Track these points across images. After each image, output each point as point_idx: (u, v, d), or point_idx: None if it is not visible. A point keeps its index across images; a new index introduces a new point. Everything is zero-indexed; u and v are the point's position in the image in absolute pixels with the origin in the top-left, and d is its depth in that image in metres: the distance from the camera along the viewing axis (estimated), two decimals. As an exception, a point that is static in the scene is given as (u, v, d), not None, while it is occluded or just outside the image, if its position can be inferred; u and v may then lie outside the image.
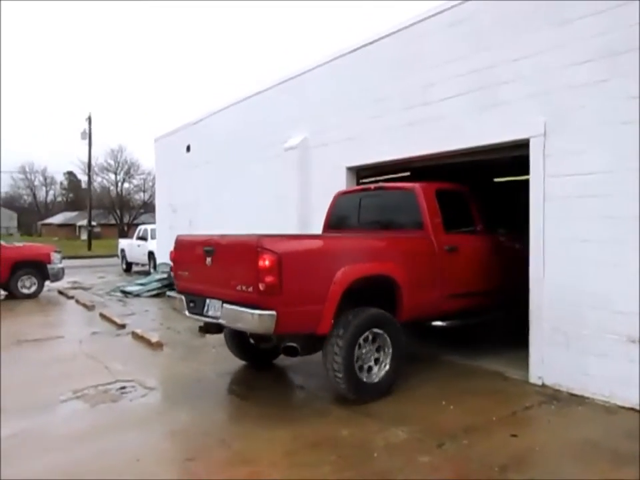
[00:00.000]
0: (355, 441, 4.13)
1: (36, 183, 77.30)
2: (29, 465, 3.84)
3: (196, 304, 5.30)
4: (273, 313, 4.42)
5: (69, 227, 66.81)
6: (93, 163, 41.41)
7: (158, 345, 7.30)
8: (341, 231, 6.65)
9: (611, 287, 4.81)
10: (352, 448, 4.02)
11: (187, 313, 5.45)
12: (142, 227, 19.62)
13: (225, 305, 4.82)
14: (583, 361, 5.03)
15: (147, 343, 7.51)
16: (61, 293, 13.28)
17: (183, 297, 5.51)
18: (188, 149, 13.06)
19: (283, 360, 6.07)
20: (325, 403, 5.11)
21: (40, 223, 73.51)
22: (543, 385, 5.32)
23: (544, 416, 4.67)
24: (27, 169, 73.37)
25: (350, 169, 7.90)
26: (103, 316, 9.76)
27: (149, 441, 4.28)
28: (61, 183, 79.02)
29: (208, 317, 5.14)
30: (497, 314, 6.55)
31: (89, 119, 36.58)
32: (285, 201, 9.01)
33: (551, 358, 5.29)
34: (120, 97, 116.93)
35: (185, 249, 5.73)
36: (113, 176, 58.50)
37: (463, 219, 6.27)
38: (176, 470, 3.78)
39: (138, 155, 63.27)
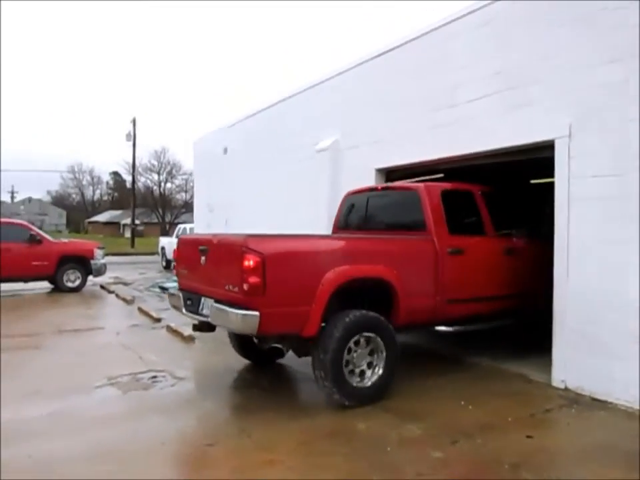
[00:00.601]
0: (370, 435, 4.24)
1: (84, 182, 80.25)
2: (59, 442, 4.10)
3: (192, 302, 5.34)
4: (256, 313, 4.39)
5: (113, 224, 68.95)
6: (137, 163, 42.73)
7: (190, 339, 7.57)
8: (349, 232, 6.59)
9: (636, 289, 4.75)
10: (366, 440, 4.14)
11: (183, 310, 5.49)
12: (181, 226, 20.19)
13: (213, 304, 4.83)
14: (607, 365, 4.97)
15: (180, 336, 7.80)
16: (102, 287, 13.83)
17: (181, 295, 5.56)
18: (225, 150, 13.40)
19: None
20: (345, 398, 5.24)
21: (87, 220, 76.15)
22: (566, 389, 5.29)
23: (563, 419, 4.66)
24: (76, 169, 76.32)
25: (379, 171, 7.99)
26: (140, 310, 10.15)
27: (175, 426, 4.49)
28: (107, 183, 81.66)
29: (202, 315, 5.14)
30: (507, 320, 6.37)
31: (134, 122, 37.74)
32: (316, 201, 9.16)
33: (574, 361, 5.25)
34: (164, 100, 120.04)
35: (185, 247, 5.79)
36: (156, 176, 60.06)
37: (472, 221, 6.12)
38: (196, 454, 3.97)
39: (180, 156, 64.58)
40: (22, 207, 77.45)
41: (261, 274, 4.39)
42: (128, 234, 48.13)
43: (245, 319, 4.42)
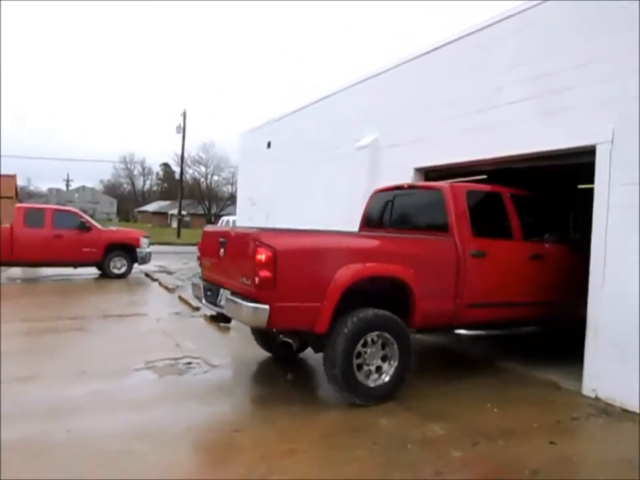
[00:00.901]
0: (392, 431, 4.32)
1: (135, 172, 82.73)
2: (97, 419, 4.37)
3: (212, 293, 5.46)
4: (266, 307, 4.46)
5: (161, 215, 70.82)
6: (185, 155, 43.74)
7: (225, 328, 7.80)
8: (375, 230, 6.57)
9: (673, 302, 4.64)
10: (388, 437, 4.21)
11: (203, 300, 5.61)
12: (224, 218, 20.66)
13: (228, 295, 4.94)
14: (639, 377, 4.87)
15: (217, 325, 8.04)
16: (147, 275, 14.33)
17: (202, 285, 5.69)
18: (268, 145, 13.61)
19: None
20: (371, 394, 5.32)
21: (136, 210, 78.47)
22: (596, 398, 5.20)
23: (589, 428, 4.61)
24: (127, 160, 78.74)
25: (418, 170, 7.99)
26: (181, 298, 10.49)
27: (204, 411, 4.69)
28: (157, 174, 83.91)
29: (219, 306, 5.24)
30: (530, 328, 6.24)
31: (184, 115, 38.66)
32: (355, 198, 9.21)
33: (606, 371, 5.16)
34: (214, 93, 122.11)
35: (207, 239, 5.88)
36: (203, 168, 61.36)
37: (499, 224, 5.98)
38: (223, 439, 4.14)
39: (227, 150, 65.66)
40: (76, 195, 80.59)
41: (272, 268, 4.45)
42: (175, 224, 49.41)
43: (256, 312, 4.50)
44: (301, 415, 4.62)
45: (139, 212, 77.86)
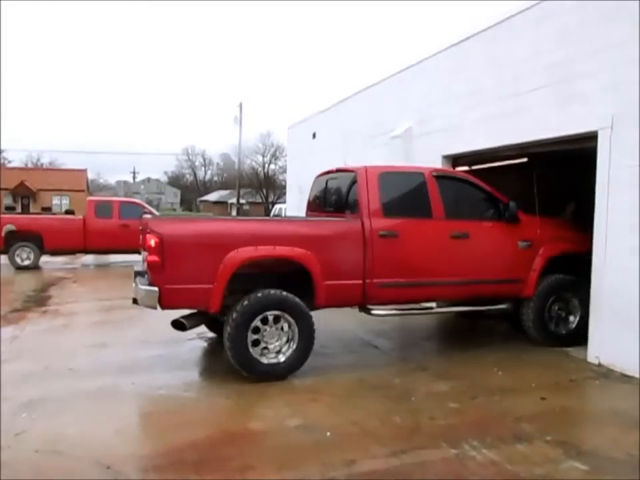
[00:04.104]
0: (402, 387, 5.00)
1: (196, 163, 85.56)
2: (156, 375, 5.33)
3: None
4: (155, 289, 4.80)
5: (222, 204, 73.12)
6: (243, 146, 45.11)
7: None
8: (315, 212, 6.78)
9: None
10: (397, 391, 4.90)
11: (133, 285, 5.63)
12: (277, 206, 21.64)
13: (135, 280, 5.33)
14: (637, 342, 5.28)
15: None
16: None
17: (134, 271, 5.85)
18: (314, 135, 14.32)
19: (373, 324, 7.02)
20: (392, 359, 6.09)
21: (199, 199, 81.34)
22: (599, 364, 5.64)
23: (584, 388, 5.11)
24: (189, 151, 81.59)
25: (446, 157, 8.47)
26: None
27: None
28: (217, 164, 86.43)
29: None
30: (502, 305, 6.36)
31: (240, 106, 39.98)
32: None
33: (609, 339, 5.58)
34: (270, 85, 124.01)
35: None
36: (260, 158, 62.78)
37: (417, 204, 5.88)
38: (255, 389, 4.92)
39: (283, 139, 66.95)
40: (142, 187, 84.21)
41: (160, 252, 4.78)
42: (234, 213, 51.14)
43: (148, 293, 4.86)
44: (329, 375, 5.34)
45: (201, 201, 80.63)
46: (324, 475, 3.35)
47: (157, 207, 62.39)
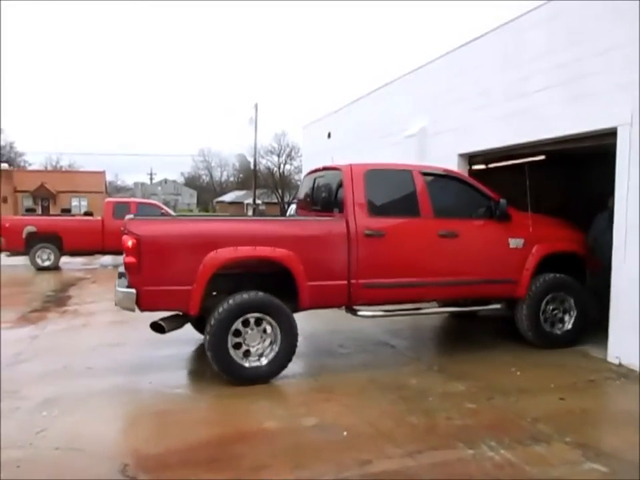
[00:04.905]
0: (419, 387, 4.97)
1: (212, 164, 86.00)
2: (169, 374, 5.40)
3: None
4: (133, 291, 4.72)
5: (238, 204, 73.43)
6: (259, 146, 45.32)
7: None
8: (304, 211, 6.68)
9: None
10: (413, 391, 4.87)
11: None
12: (293, 206, 21.60)
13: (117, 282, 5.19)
14: (658, 344, 5.19)
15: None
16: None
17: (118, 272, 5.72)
18: (329, 135, 14.32)
19: (389, 324, 7.01)
20: (407, 358, 6.04)
21: (215, 200, 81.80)
22: (620, 365, 5.55)
23: (603, 388, 5.03)
24: (205, 152, 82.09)
25: (461, 156, 8.41)
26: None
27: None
28: (233, 165, 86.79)
29: None
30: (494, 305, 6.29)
31: (256, 107, 40.15)
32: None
33: (630, 339, 5.49)
34: (284, 85, 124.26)
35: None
36: (276, 158, 62.90)
37: (404, 203, 5.78)
38: (271, 388, 4.94)
39: (298, 139, 67.04)
40: (159, 188, 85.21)
41: (137, 254, 4.68)
42: (251, 213, 51.31)
43: (125, 295, 4.79)
44: (344, 374, 5.36)
45: (217, 202, 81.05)
46: (338, 475, 3.35)
47: (174, 208, 62.94)
